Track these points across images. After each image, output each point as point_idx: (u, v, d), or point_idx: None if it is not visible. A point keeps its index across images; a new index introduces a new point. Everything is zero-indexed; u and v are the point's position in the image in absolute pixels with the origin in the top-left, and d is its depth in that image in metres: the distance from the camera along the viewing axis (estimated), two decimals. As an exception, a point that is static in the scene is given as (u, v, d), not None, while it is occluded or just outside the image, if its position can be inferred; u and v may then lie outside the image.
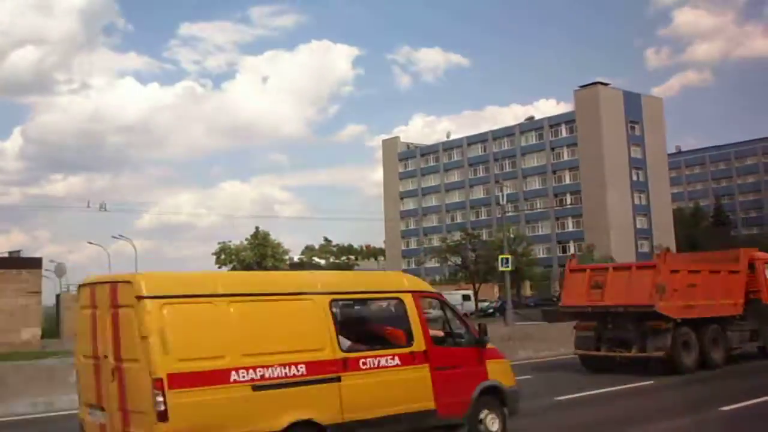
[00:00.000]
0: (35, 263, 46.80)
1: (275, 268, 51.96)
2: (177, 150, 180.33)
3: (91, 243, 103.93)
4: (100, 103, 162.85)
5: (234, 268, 52.59)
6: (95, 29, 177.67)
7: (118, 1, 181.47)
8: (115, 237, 79.65)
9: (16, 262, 46.73)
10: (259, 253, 51.35)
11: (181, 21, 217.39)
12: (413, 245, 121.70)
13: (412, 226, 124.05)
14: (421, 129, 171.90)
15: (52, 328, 59.60)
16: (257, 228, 53.38)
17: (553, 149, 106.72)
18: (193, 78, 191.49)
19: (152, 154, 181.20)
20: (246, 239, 53.62)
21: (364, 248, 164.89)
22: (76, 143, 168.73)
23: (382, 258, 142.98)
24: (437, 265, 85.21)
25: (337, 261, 60.36)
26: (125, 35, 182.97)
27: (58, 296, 64.58)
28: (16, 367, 18.05)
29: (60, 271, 61.78)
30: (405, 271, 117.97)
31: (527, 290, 75.20)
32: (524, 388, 11.85)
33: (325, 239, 61.53)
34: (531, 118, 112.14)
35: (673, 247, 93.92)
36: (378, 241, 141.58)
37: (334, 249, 63.35)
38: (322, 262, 59.84)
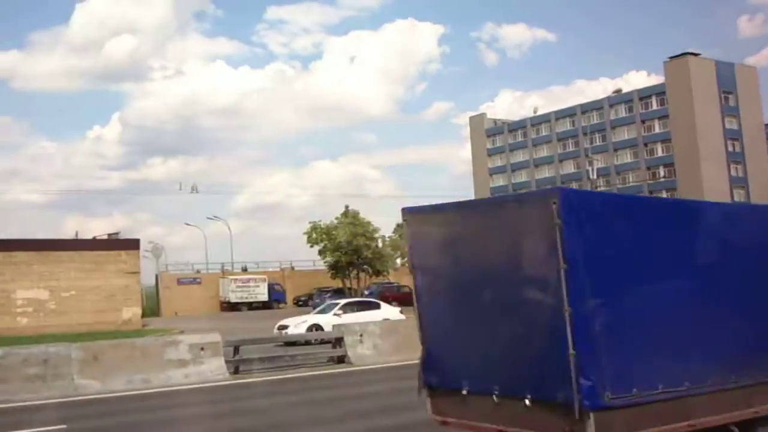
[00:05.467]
0: (133, 244, 48.37)
1: (366, 246, 52.50)
2: (268, 131, 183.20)
3: (188, 224, 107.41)
4: (193, 88, 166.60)
5: (326, 247, 53.46)
6: (186, 16, 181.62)
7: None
8: (210, 218, 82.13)
9: (115, 243, 48.44)
10: (350, 232, 51.86)
11: (268, 5, 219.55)
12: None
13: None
14: (508, 105, 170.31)
15: (152, 306, 62.15)
16: (347, 206, 53.82)
17: (643, 122, 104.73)
18: (282, 60, 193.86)
19: (245, 136, 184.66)
20: (336, 218, 54.27)
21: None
22: (172, 127, 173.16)
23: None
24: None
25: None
26: (215, 20, 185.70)
27: (157, 276, 67.17)
28: (114, 345, 18.19)
29: (156, 251, 64.07)
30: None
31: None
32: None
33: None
34: (618, 91, 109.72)
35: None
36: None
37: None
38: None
